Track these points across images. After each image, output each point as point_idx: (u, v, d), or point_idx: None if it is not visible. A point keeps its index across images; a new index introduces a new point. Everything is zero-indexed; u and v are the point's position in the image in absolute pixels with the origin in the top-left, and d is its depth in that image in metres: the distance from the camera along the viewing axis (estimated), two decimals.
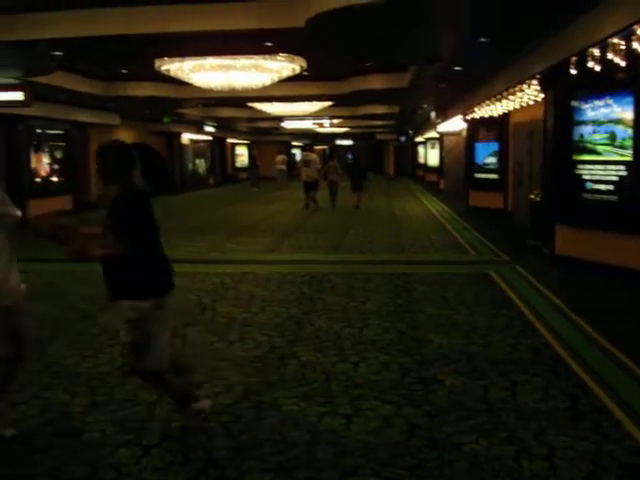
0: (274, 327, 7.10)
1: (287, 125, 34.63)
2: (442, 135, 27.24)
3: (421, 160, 41.43)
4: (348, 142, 57.06)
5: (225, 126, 35.22)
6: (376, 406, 4.86)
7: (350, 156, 45.13)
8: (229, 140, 42.17)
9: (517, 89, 13.45)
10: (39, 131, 20.45)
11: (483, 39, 10.66)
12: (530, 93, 13.01)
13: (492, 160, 19.10)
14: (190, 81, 15.67)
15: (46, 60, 12.86)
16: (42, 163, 20.67)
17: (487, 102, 16.57)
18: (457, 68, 13.90)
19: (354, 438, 4.33)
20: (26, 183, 19.53)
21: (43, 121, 20.26)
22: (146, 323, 4.05)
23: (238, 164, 44.78)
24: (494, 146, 18.93)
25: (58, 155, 21.65)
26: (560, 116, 10.69)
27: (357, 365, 5.80)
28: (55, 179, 21.36)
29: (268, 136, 44.97)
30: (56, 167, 21.42)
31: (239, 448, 4.21)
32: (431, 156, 35.03)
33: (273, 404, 4.92)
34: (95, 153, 4.32)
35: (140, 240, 4.07)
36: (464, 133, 21.78)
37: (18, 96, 15.17)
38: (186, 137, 33.28)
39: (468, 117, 19.79)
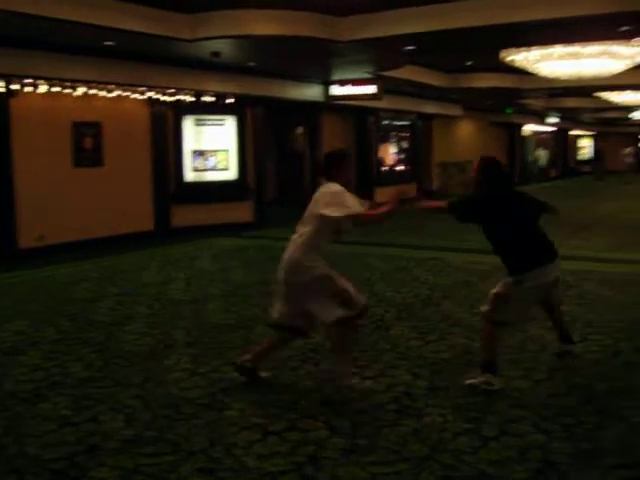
0: (619, 330, 6.67)
1: (637, 115, 32.22)
2: None
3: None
4: None
5: (568, 117, 33.84)
6: None
7: None
8: (572, 132, 40.47)
9: None
10: (386, 122, 21.56)
11: None
12: None
13: None
14: (536, 71, 15.32)
15: (399, 55, 13.46)
16: (388, 153, 21.80)
17: None
18: None
19: None
20: (373, 172, 20.78)
21: (391, 113, 21.32)
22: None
23: (580, 156, 42.83)
24: None
25: (403, 145, 22.66)
26: None
27: None
28: (400, 168, 22.40)
29: (614, 127, 42.22)
30: (401, 157, 22.45)
31: (579, 455, 4.01)
32: None
33: (617, 413, 4.62)
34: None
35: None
36: None
37: (371, 90, 16.17)
38: (527, 128, 32.66)
39: None
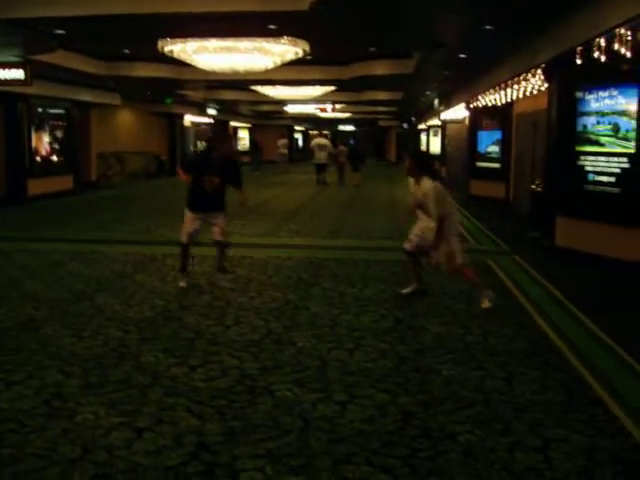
0: (270, 312, 7.07)
1: (290, 109, 34.46)
2: (445, 123, 27.20)
3: (423, 148, 41.29)
4: (350, 128, 56.95)
5: (228, 109, 35.07)
6: (371, 394, 4.83)
7: (351, 142, 45.38)
8: (231, 123, 42.00)
9: (521, 78, 13.34)
10: (40, 110, 20.35)
11: (488, 26, 10.56)
12: (534, 82, 12.92)
13: (495, 149, 19.03)
14: (193, 63, 15.56)
15: (48, 39, 12.74)
16: (43, 142, 20.59)
17: (491, 90, 16.47)
18: (462, 55, 13.79)
19: (348, 426, 4.30)
20: (26, 163, 19.47)
21: (44, 100, 20.16)
22: None
23: (241, 147, 44.69)
24: (497, 135, 18.85)
25: (59, 134, 21.56)
26: (564, 106, 10.62)
27: (353, 352, 5.77)
28: (55, 159, 21.28)
29: (271, 120, 44.81)
30: (57, 147, 21.34)
31: (232, 433, 4.18)
32: (433, 144, 34.92)
33: (267, 389, 4.89)
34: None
35: None
36: (467, 121, 21.68)
37: (19, 74, 15.04)
38: (188, 119, 33.13)
39: (471, 105, 19.68)
